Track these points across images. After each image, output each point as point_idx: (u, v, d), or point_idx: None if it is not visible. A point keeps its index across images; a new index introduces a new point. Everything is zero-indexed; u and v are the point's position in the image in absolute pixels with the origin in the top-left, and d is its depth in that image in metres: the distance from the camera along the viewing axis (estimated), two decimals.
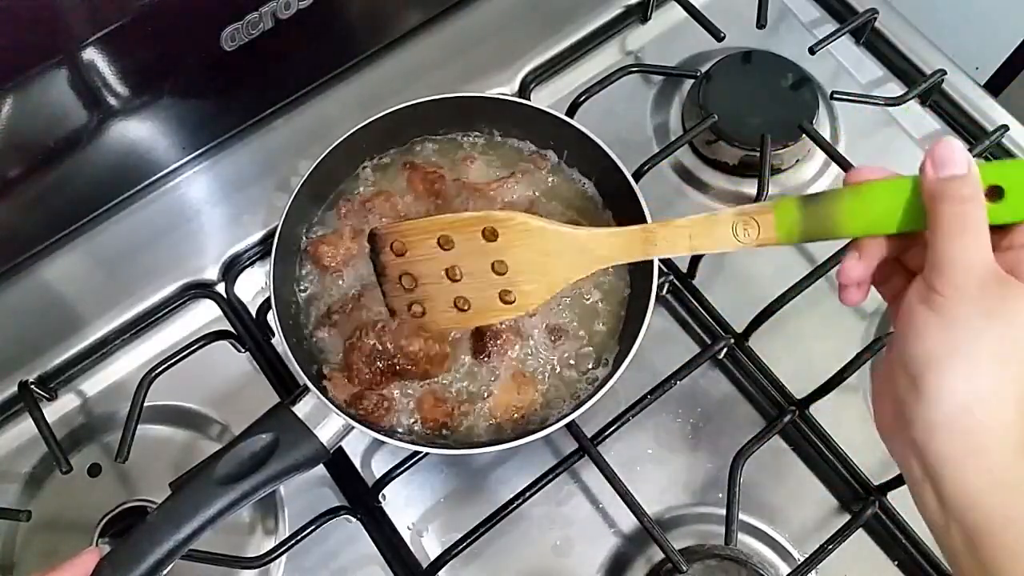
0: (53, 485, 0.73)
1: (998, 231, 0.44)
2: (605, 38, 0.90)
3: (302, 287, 0.70)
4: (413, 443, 0.64)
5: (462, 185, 0.72)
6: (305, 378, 0.61)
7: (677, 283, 0.78)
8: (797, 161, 0.83)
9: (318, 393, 0.61)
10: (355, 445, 0.74)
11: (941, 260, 0.43)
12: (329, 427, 0.60)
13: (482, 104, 0.74)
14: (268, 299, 0.67)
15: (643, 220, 0.66)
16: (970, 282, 0.42)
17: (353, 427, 0.61)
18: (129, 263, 0.79)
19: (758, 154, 0.79)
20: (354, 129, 0.70)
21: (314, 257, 0.70)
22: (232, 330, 0.77)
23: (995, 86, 1.19)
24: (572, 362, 0.68)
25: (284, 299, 0.68)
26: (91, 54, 0.65)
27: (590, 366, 0.68)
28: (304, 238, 0.72)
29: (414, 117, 0.72)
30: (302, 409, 0.60)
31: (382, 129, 0.71)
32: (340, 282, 0.70)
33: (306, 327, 0.69)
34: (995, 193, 0.44)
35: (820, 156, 0.83)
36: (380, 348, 0.65)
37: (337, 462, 0.73)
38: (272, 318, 0.65)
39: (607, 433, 0.71)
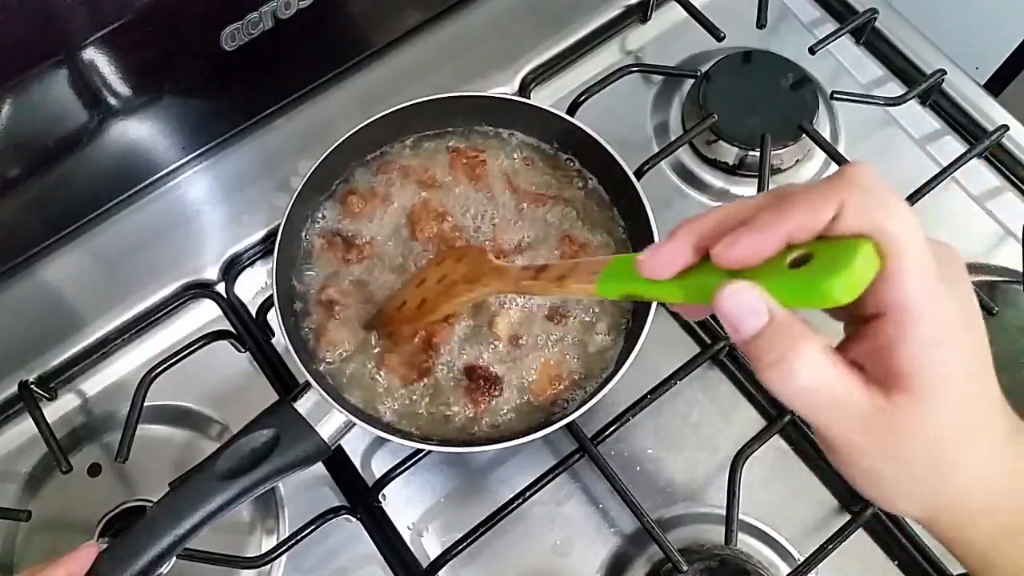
0: (53, 485, 0.73)
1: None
2: (605, 38, 0.90)
3: (304, 278, 0.71)
4: (413, 440, 0.64)
5: (507, 181, 0.73)
6: (307, 374, 0.61)
7: None
8: (797, 161, 0.83)
9: (320, 390, 0.61)
10: (355, 444, 0.74)
11: (824, 447, 0.40)
12: (330, 424, 0.61)
13: (484, 103, 0.74)
14: (269, 298, 0.67)
15: (647, 221, 0.67)
16: (847, 438, 0.38)
17: (354, 424, 0.61)
18: (129, 263, 0.79)
19: (758, 154, 0.79)
20: (355, 129, 0.70)
21: (343, 204, 0.72)
22: (232, 330, 0.77)
23: (995, 86, 1.19)
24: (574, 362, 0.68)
25: (286, 295, 0.68)
26: (91, 54, 0.65)
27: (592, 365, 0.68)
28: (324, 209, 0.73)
29: (416, 116, 0.72)
30: (303, 405, 0.60)
31: (383, 128, 0.71)
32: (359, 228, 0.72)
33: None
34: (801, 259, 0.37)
35: (820, 156, 0.83)
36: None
37: (337, 461, 0.73)
38: (274, 313, 0.65)
39: (607, 433, 0.71)
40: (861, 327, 0.39)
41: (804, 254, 0.36)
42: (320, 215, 0.72)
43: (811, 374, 0.36)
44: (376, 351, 0.67)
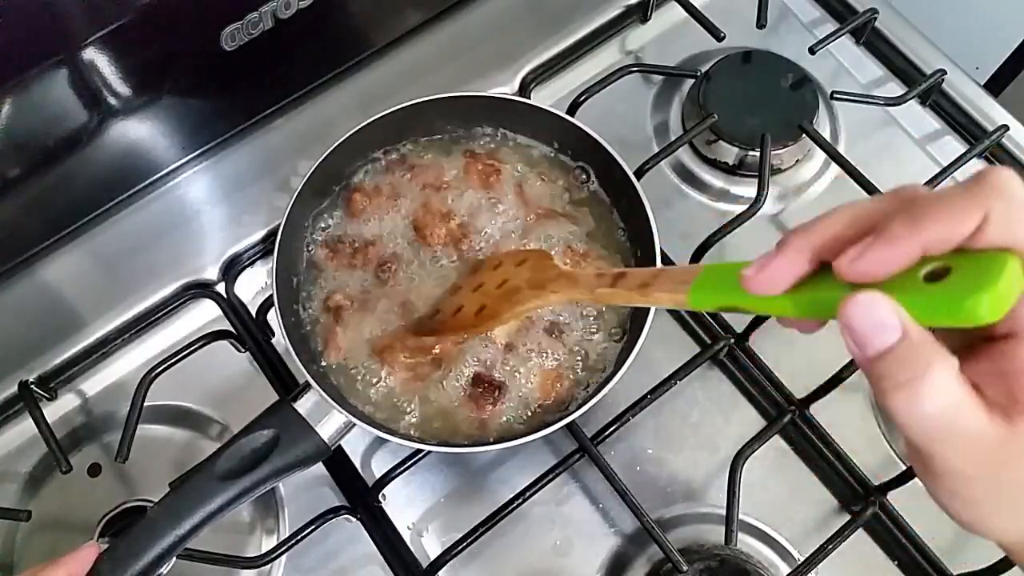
0: (53, 485, 0.73)
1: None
2: (605, 38, 0.90)
3: (308, 280, 0.71)
4: (413, 440, 0.64)
5: (519, 192, 0.72)
6: (307, 374, 0.61)
7: None
8: (797, 161, 0.83)
9: (320, 390, 0.61)
10: (355, 444, 0.74)
11: (923, 471, 0.37)
12: (330, 424, 0.61)
13: (484, 103, 0.74)
14: (269, 298, 0.67)
15: (647, 221, 0.67)
16: (959, 465, 0.35)
17: (354, 424, 0.61)
18: (129, 263, 0.79)
19: (758, 154, 0.79)
20: (355, 129, 0.70)
21: (346, 202, 0.72)
22: (232, 330, 0.77)
23: (995, 86, 1.19)
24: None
25: (286, 295, 0.68)
26: (91, 54, 0.65)
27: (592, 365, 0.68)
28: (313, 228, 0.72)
29: (416, 116, 0.72)
30: (303, 406, 0.60)
31: (383, 128, 0.71)
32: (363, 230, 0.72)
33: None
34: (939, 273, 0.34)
35: (820, 156, 0.83)
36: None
37: (337, 461, 0.73)
38: (274, 313, 0.65)
39: (607, 433, 0.71)
40: (982, 346, 0.36)
41: (940, 267, 0.33)
42: (323, 215, 0.72)
43: (942, 401, 0.33)
44: (380, 353, 0.67)
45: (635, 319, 0.68)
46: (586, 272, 0.57)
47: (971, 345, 0.37)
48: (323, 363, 0.67)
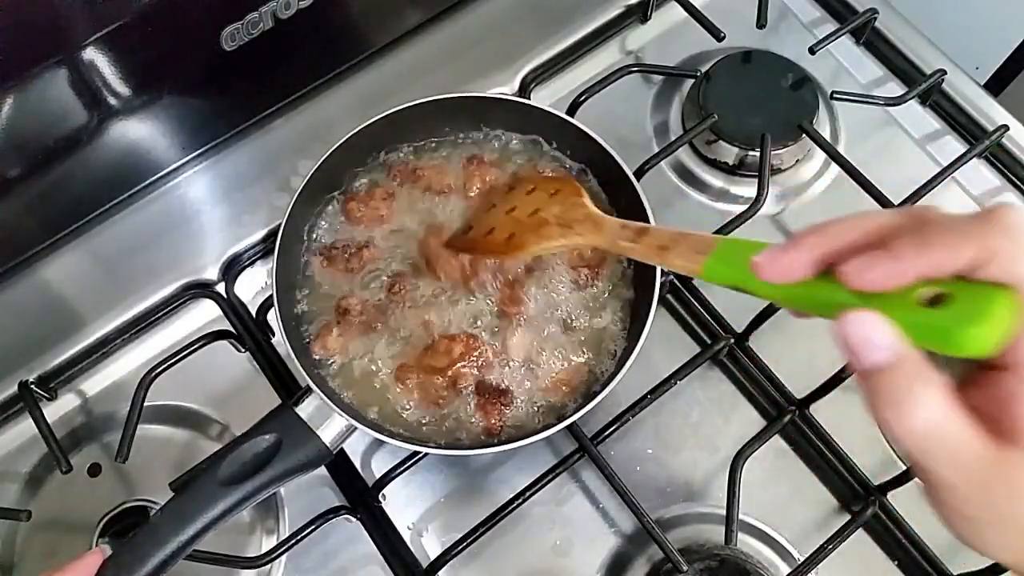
0: (53, 485, 0.73)
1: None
2: (605, 38, 0.90)
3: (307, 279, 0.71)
4: (413, 442, 0.64)
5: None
6: (308, 378, 0.61)
7: (677, 283, 0.79)
8: (797, 161, 0.83)
9: (321, 394, 0.61)
10: (355, 445, 0.74)
11: (923, 483, 0.38)
12: (332, 428, 0.61)
13: (484, 104, 0.74)
14: (269, 298, 0.67)
15: (646, 220, 0.67)
16: (953, 483, 0.36)
17: (355, 428, 0.61)
18: (129, 263, 0.79)
19: (758, 154, 0.79)
20: (355, 129, 0.70)
21: (344, 211, 0.72)
22: (232, 330, 0.77)
23: (995, 86, 1.19)
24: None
25: (286, 295, 0.68)
26: (91, 54, 0.65)
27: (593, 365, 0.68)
28: (309, 236, 0.72)
29: (416, 117, 0.72)
30: (305, 410, 0.60)
31: (383, 129, 0.71)
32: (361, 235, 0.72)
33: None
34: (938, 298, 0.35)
35: (820, 156, 0.84)
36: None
37: (337, 462, 0.73)
38: (274, 313, 0.65)
39: (607, 433, 0.71)
40: (977, 372, 0.38)
41: (939, 293, 0.35)
42: (323, 217, 0.72)
43: (930, 419, 0.35)
44: (392, 362, 0.67)
45: (635, 319, 0.68)
46: (611, 220, 0.58)
47: (975, 372, 0.38)
48: (315, 356, 0.67)
